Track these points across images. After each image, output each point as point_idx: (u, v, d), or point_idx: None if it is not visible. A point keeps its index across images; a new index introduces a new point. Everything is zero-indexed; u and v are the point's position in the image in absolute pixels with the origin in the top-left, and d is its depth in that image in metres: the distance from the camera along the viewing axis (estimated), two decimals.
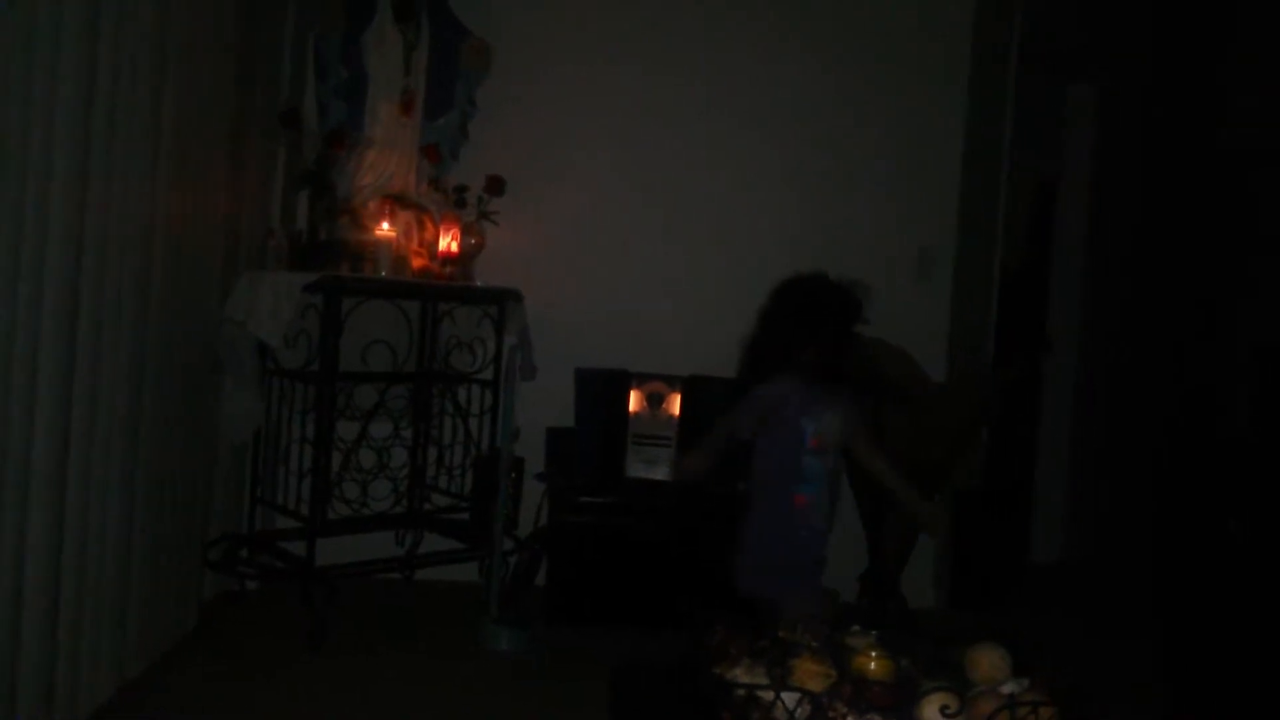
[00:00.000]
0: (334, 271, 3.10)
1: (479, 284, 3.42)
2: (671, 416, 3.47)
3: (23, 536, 1.95)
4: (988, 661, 1.66)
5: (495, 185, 3.47)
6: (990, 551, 3.81)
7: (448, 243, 3.38)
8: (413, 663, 2.88)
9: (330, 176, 3.31)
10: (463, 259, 3.43)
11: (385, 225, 3.27)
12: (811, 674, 1.59)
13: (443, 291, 3.36)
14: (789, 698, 1.52)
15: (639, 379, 3.50)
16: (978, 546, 3.76)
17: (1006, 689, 1.60)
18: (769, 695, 1.52)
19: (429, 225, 3.39)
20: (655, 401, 3.49)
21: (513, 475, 3.31)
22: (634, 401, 3.49)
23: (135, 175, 2.31)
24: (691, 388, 3.49)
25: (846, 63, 3.80)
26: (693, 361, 3.55)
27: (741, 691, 1.54)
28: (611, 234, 3.77)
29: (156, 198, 2.43)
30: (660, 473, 3.42)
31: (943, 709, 1.52)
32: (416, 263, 3.32)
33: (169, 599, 2.73)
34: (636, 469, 3.44)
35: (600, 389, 3.50)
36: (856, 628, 1.79)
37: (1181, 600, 3.03)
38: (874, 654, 1.65)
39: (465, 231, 3.44)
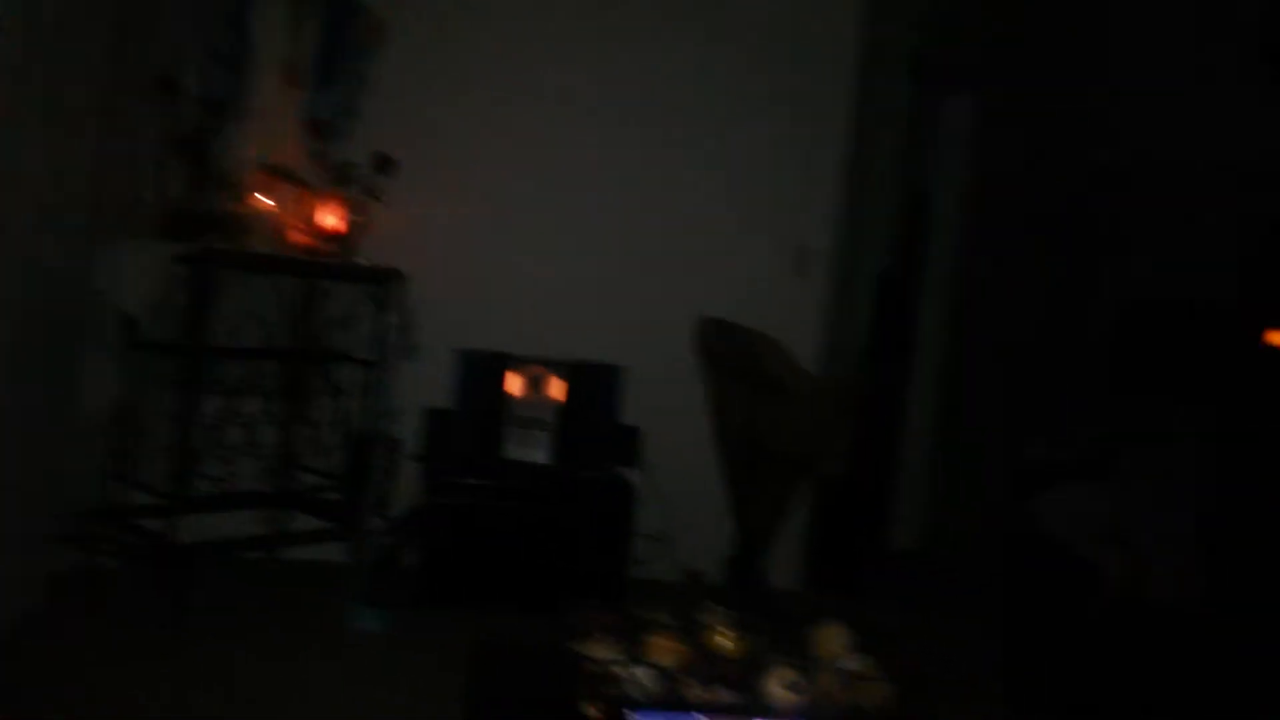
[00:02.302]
0: (208, 243, 3.02)
1: (361, 262, 3.38)
2: (552, 400, 3.51)
3: None
4: (831, 640, 1.77)
5: (384, 164, 3.42)
6: (852, 537, 3.99)
7: (330, 219, 3.33)
8: (274, 643, 2.84)
9: (209, 145, 3.21)
10: (345, 236, 3.38)
11: (264, 198, 3.20)
12: (664, 649, 1.66)
13: (322, 268, 3.31)
14: (640, 671, 1.58)
15: (520, 362, 3.53)
16: (841, 532, 3.93)
17: (848, 665, 1.70)
18: (621, 669, 1.58)
19: (311, 200, 3.34)
20: (536, 385, 3.52)
21: (387, 456, 3.31)
22: (515, 384, 3.51)
23: None
24: (574, 373, 3.54)
25: (736, 62, 3.89)
26: (576, 347, 3.60)
27: (595, 667, 1.60)
28: (499, 218, 3.78)
29: (22, 160, 2.34)
30: (538, 455, 3.45)
31: (785, 682, 1.61)
32: (296, 238, 3.27)
33: (12, 575, 2.63)
34: (514, 451, 3.46)
35: (481, 371, 3.51)
36: (711, 605, 1.88)
37: (1022, 589, 3.23)
38: (726, 631, 1.74)
39: (349, 208, 3.39)
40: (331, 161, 3.39)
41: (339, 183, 3.38)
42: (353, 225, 3.39)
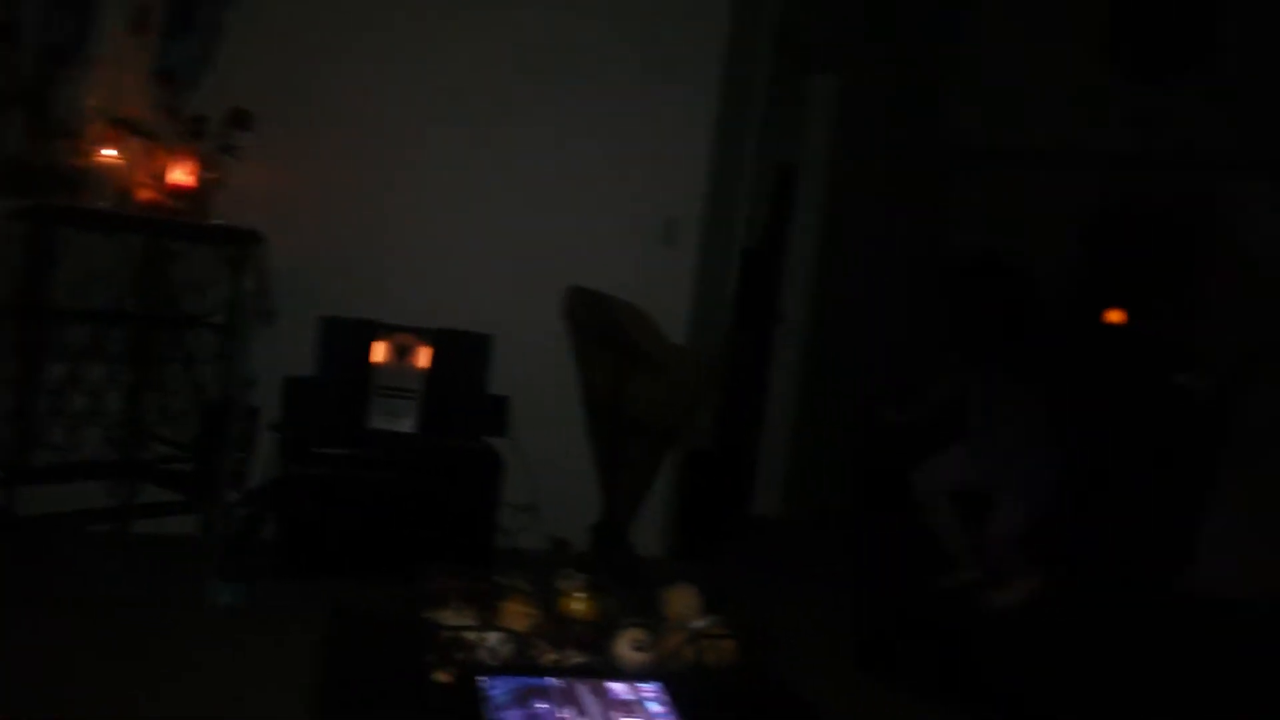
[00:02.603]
0: (47, 199, 2.85)
1: (216, 222, 3.24)
2: (418, 369, 3.47)
3: None
4: (680, 601, 1.82)
5: (240, 118, 3.28)
6: (716, 505, 4.09)
7: (181, 175, 3.18)
8: (125, 619, 2.73)
9: (48, 95, 3.02)
10: (198, 194, 3.23)
11: (110, 151, 3.03)
12: (517, 614, 1.68)
13: (172, 228, 3.16)
14: (492, 637, 1.60)
15: (386, 330, 3.46)
16: (705, 500, 4.02)
17: (696, 625, 1.76)
18: (473, 635, 1.59)
19: (161, 155, 3.18)
20: (402, 353, 3.47)
21: (244, 425, 3.21)
22: (380, 352, 3.45)
23: None
24: (441, 341, 3.50)
25: (606, 33, 3.86)
26: (444, 315, 3.55)
27: (447, 633, 1.61)
28: (366, 180, 3.67)
29: None
30: (403, 425, 3.41)
31: (634, 643, 1.65)
32: (143, 194, 3.11)
33: None
34: (379, 420, 3.41)
35: (344, 338, 3.43)
36: (569, 571, 1.90)
37: (870, 555, 3.37)
38: (579, 595, 1.77)
39: (202, 165, 3.25)
40: (183, 115, 3.25)
41: (191, 137, 3.24)
42: (206, 183, 3.25)
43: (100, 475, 3.26)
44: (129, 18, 3.11)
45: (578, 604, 1.73)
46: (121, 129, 3.10)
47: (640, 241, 3.93)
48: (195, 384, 3.31)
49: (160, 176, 3.16)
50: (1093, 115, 5.60)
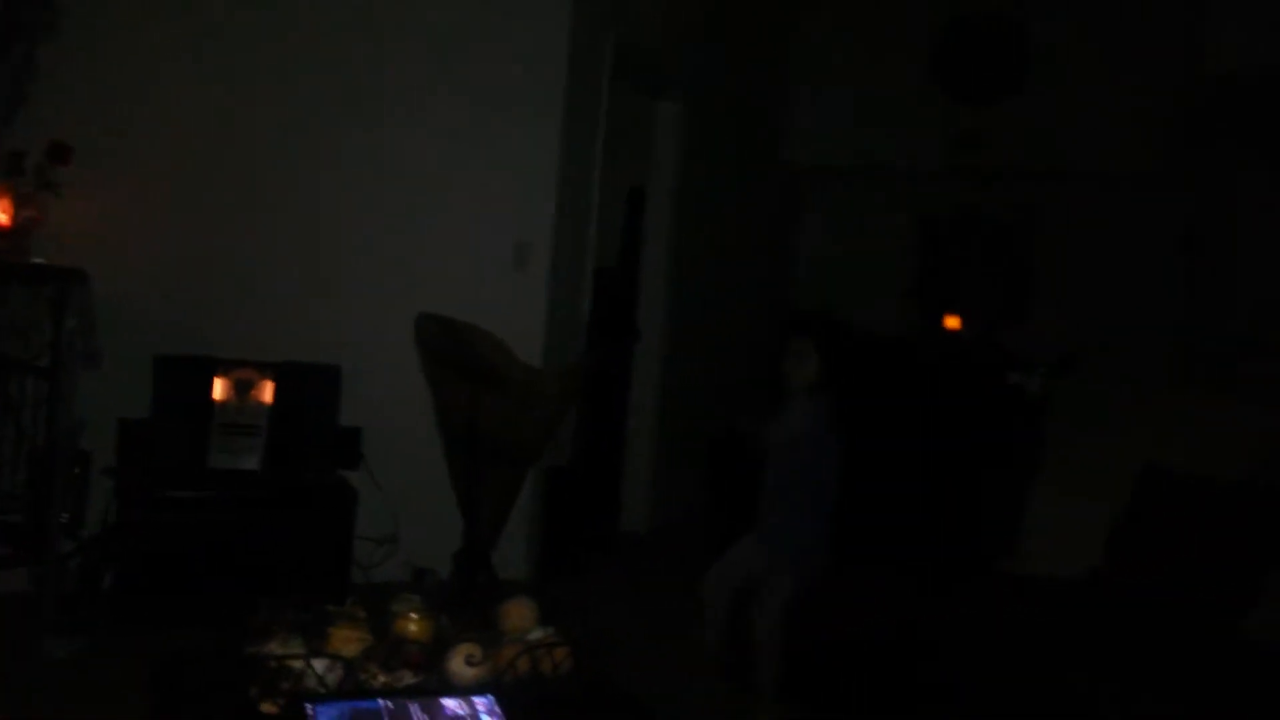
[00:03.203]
0: None
1: (36, 261, 3.10)
2: (262, 403, 3.38)
3: None
4: (516, 613, 1.83)
5: (60, 153, 3.16)
6: (580, 523, 4.10)
7: None
8: None
9: None
10: (16, 233, 3.09)
11: None
12: (346, 639, 1.65)
13: None
14: (319, 663, 1.57)
15: (226, 365, 3.36)
16: (569, 519, 4.03)
17: (532, 636, 1.77)
18: (299, 663, 1.56)
19: None
20: (244, 388, 3.37)
21: (74, 472, 3.06)
22: (220, 389, 3.35)
23: None
24: (285, 374, 3.42)
25: (450, 59, 3.86)
26: (288, 347, 3.48)
27: (273, 663, 1.57)
28: (195, 211, 3.57)
29: None
30: (247, 462, 3.31)
31: (468, 658, 1.65)
32: None
33: None
34: (220, 460, 3.30)
35: (183, 377, 3.32)
36: (405, 594, 1.89)
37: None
38: (414, 616, 1.75)
39: (20, 202, 3.11)
40: None
41: (7, 174, 3.10)
42: (23, 221, 3.11)
43: None
44: None
45: (411, 624, 1.72)
46: None
47: (492, 266, 3.93)
48: (20, 431, 3.14)
49: None
50: (923, 134, 5.92)
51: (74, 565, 3.06)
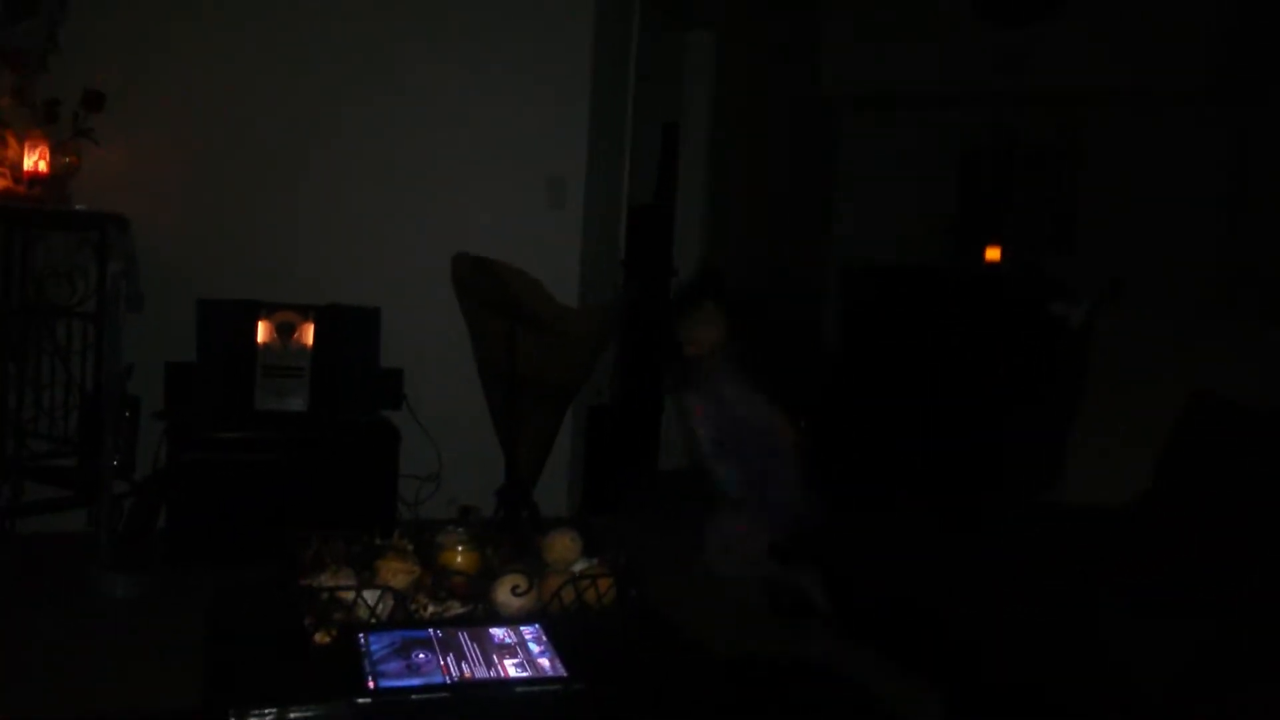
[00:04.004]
0: None
1: (77, 208, 3.13)
2: (304, 346, 3.41)
3: None
4: (560, 545, 1.84)
5: (94, 100, 3.19)
6: (619, 462, 4.13)
7: (34, 162, 3.06)
8: (14, 619, 2.67)
9: None
10: (54, 180, 3.12)
11: None
12: (395, 571, 1.68)
13: (30, 216, 3.05)
14: (369, 594, 1.60)
15: (268, 309, 3.40)
16: (608, 458, 4.06)
17: (576, 568, 1.79)
18: (350, 595, 1.60)
19: (11, 141, 3.05)
20: (286, 331, 3.41)
21: (125, 415, 3.12)
22: (263, 332, 3.38)
23: None
24: (325, 317, 3.45)
25: (483, 5, 3.82)
26: (329, 291, 3.50)
27: (324, 595, 1.61)
28: (235, 154, 3.58)
29: None
30: (293, 404, 3.36)
31: (514, 589, 1.68)
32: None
33: None
34: (267, 401, 3.35)
35: (226, 320, 3.36)
36: (450, 526, 1.91)
37: None
38: (460, 547, 1.78)
39: (57, 150, 3.13)
40: (34, 99, 3.12)
41: (45, 121, 3.12)
42: (62, 168, 3.14)
43: None
44: None
45: (457, 556, 1.75)
46: None
47: (526, 205, 3.91)
48: (70, 376, 3.21)
49: (14, 163, 3.03)
50: (961, 58, 5.75)
51: (128, 506, 3.14)
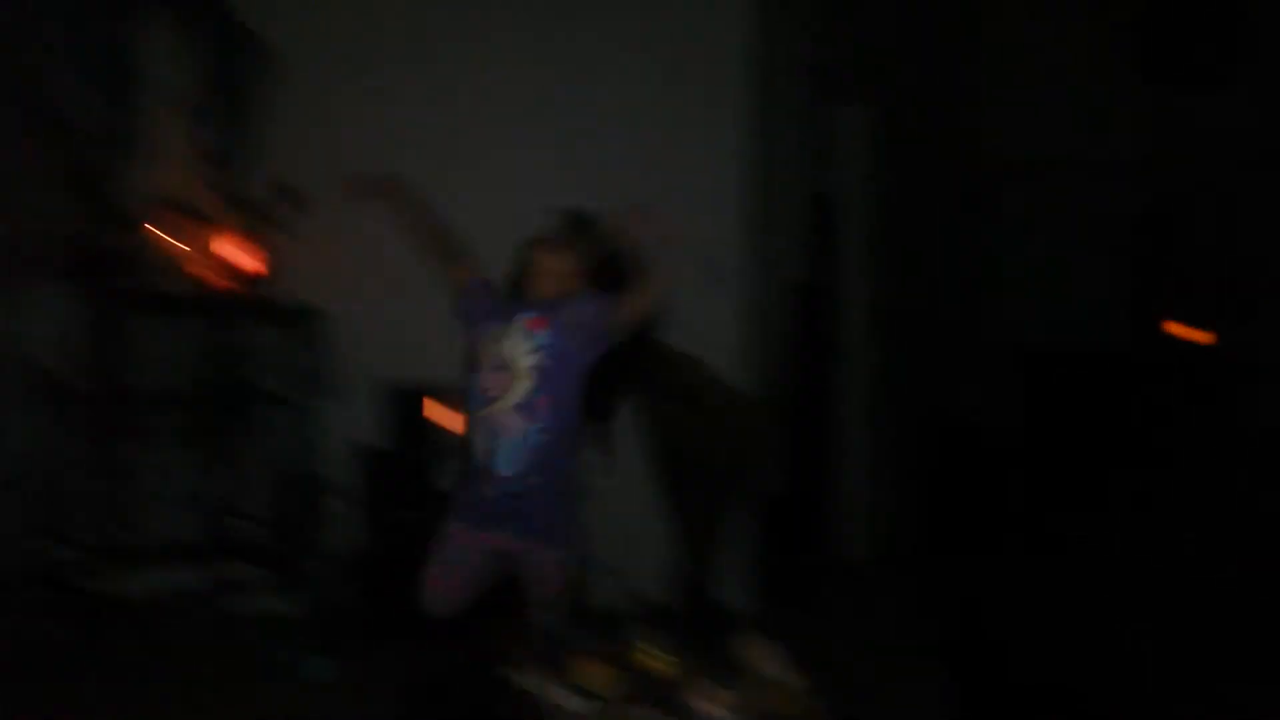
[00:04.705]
0: (114, 284, 2.96)
1: (277, 299, 3.33)
2: None
3: None
4: (757, 653, 1.81)
5: (290, 195, 3.37)
6: (799, 551, 4.01)
7: (243, 258, 3.29)
8: (221, 699, 2.77)
9: (104, 182, 3.14)
10: (258, 274, 3.34)
11: (168, 235, 3.14)
12: (593, 673, 1.68)
13: (235, 308, 3.26)
14: (568, 696, 1.61)
15: (446, 392, 3.50)
16: (782, 547, 3.95)
17: (773, 677, 1.75)
18: (551, 695, 1.61)
19: (224, 240, 3.29)
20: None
21: (319, 497, 3.25)
22: (443, 415, 3.49)
23: None
24: None
25: (634, 74, 3.87)
26: None
27: (526, 694, 1.62)
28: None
29: None
30: None
31: (713, 697, 1.65)
32: (205, 275, 3.21)
33: None
34: (447, 484, 3.44)
35: (410, 403, 3.48)
36: (643, 627, 1.90)
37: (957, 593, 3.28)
38: (655, 651, 1.77)
39: (261, 245, 3.35)
40: (235, 194, 3.35)
41: (245, 216, 3.33)
42: (265, 262, 3.34)
43: (188, 556, 3.32)
44: (175, 104, 3.23)
45: (654, 660, 1.74)
46: (178, 212, 3.21)
47: (683, 283, 3.92)
48: (269, 459, 3.37)
49: (219, 256, 3.25)
50: (1125, 123, 5.53)
51: (323, 587, 3.25)
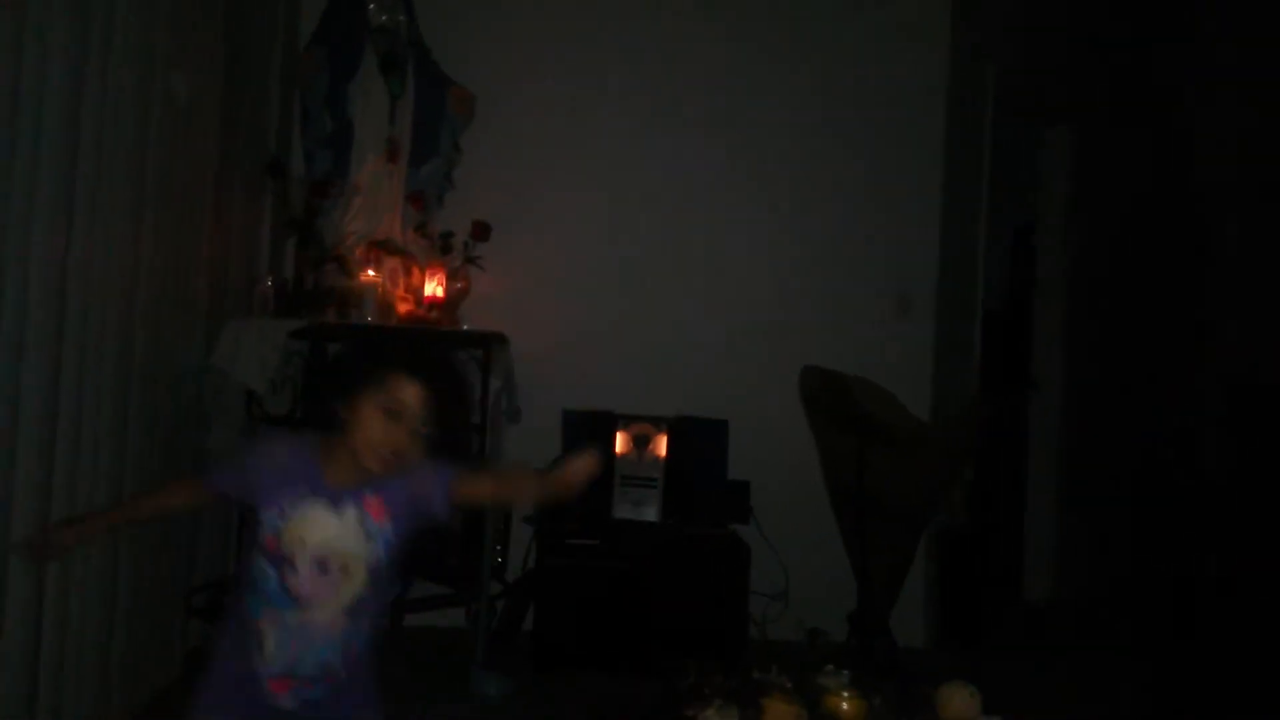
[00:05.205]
0: (320, 318, 3.14)
1: (464, 328, 3.44)
2: (658, 458, 3.49)
3: (3, 587, 1.95)
4: (957, 700, 1.67)
5: (481, 231, 3.51)
6: (980, 590, 3.80)
7: (433, 288, 3.42)
8: (401, 710, 2.85)
9: (316, 224, 3.37)
10: (448, 304, 3.46)
11: (371, 271, 3.32)
12: (782, 714, 1.60)
13: (428, 336, 3.39)
14: None
15: (625, 420, 3.52)
16: (967, 585, 3.75)
17: None
18: None
19: (415, 271, 3.44)
20: (641, 443, 3.50)
21: (500, 519, 3.32)
22: (620, 443, 3.50)
23: (119, 223, 2.34)
24: (678, 428, 3.51)
25: (827, 106, 3.85)
26: (678, 402, 3.58)
27: None
28: (596, 275, 3.81)
29: (140, 246, 2.47)
30: (647, 514, 3.42)
31: None
32: (402, 308, 3.36)
33: (152, 650, 2.72)
34: (623, 510, 3.44)
35: (587, 431, 3.50)
36: (830, 667, 1.80)
37: (1164, 638, 3.03)
38: (845, 694, 1.66)
39: (451, 276, 3.48)
40: (432, 232, 3.50)
41: (441, 252, 3.48)
42: (454, 292, 3.47)
43: None
44: (382, 150, 3.42)
45: (844, 703, 1.63)
46: (380, 250, 3.39)
47: (875, 315, 3.81)
48: None
49: (416, 290, 3.41)
50: None
51: (501, 607, 3.32)
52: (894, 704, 1.70)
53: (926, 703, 1.70)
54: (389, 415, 1.55)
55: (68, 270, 2.11)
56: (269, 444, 1.78)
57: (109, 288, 2.31)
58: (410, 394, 1.56)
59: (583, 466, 1.63)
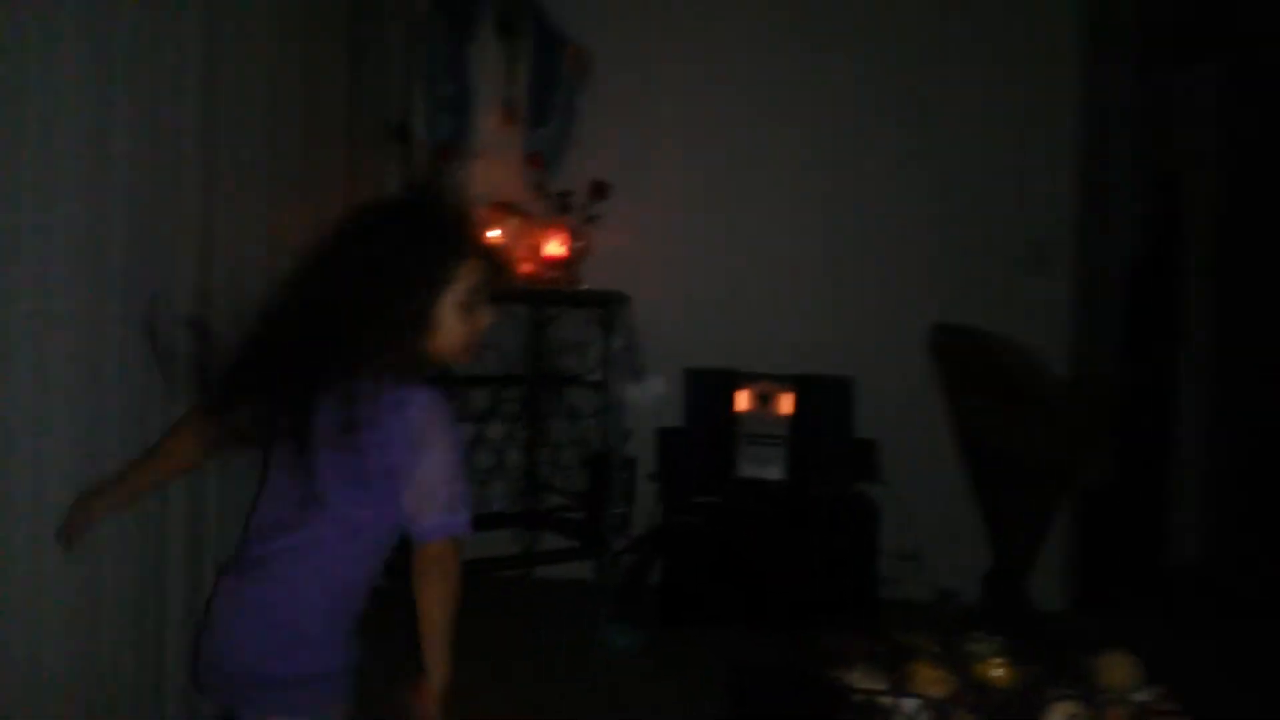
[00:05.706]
0: None
1: (585, 287, 3.45)
2: (782, 415, 3.44)
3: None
4: (1120, 670, 1.59)
5: (599, 190, 3.49)
6: (1121, 552, 3.65)
7: (554, 247, 3.43)
8: (531, 662, 2.92)
9: (439, 187, 3.40)
10: (569, 263, 3.47)
11: (493, 232, 3.34)
12: (931, 680, 1.55)
13: (550, 296, 3.41)
14: (908, 703, 1.49)
15: (748, 378, 3.48)
16: (1108, 547, 3.60)
17: (1137, 698, 1.53)
18: (887, 700, 1.49)
19: (535, 231, 3.45)
20: (765, 400, 3.46)
21: (624, 475, 3.34)
22: (744, 401, 3.47)
23: (256, 191, 2.40)
24: (802, 386, 3.46)
25: (951, 53, 3.69)
26: (803, 359, 3.52)
27: (859, 697, 1.52)
28: (718, 233, 3.76)
29: (279, 212, 2.54)
30: (771, 472, 3.39)
31: (1069, 717, 1.47)
32: (524, 268, 3.38)
33: None
34: (747, 468, 3.42)
35: (710, 389, 3.50)
36: (979, 633, 1.74)
37: None
38: (997, 660, 1.61)
39: (571, 236, 3.48)
40: (551, 192, 3.50)
41: (560, 212, 3.48)
42: (575, 252, 3.48)
43: (506, 525, 3.57)
44: (500, 111, 3.43)
45: (997, 670, 1.58)
46: (502, 211, 3.41)
47: (1006, 268, 3.66)
48: (579, 438, 3.52)
49: (537, 250, 3.42)
50: None
51: (626, 561, 3.35)
52: (1047, 671, 1.63)
53: (1082, 671, 1.63)
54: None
55: (215, 239, 2.17)
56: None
57: (247, 253, 2.37)
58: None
59: None
